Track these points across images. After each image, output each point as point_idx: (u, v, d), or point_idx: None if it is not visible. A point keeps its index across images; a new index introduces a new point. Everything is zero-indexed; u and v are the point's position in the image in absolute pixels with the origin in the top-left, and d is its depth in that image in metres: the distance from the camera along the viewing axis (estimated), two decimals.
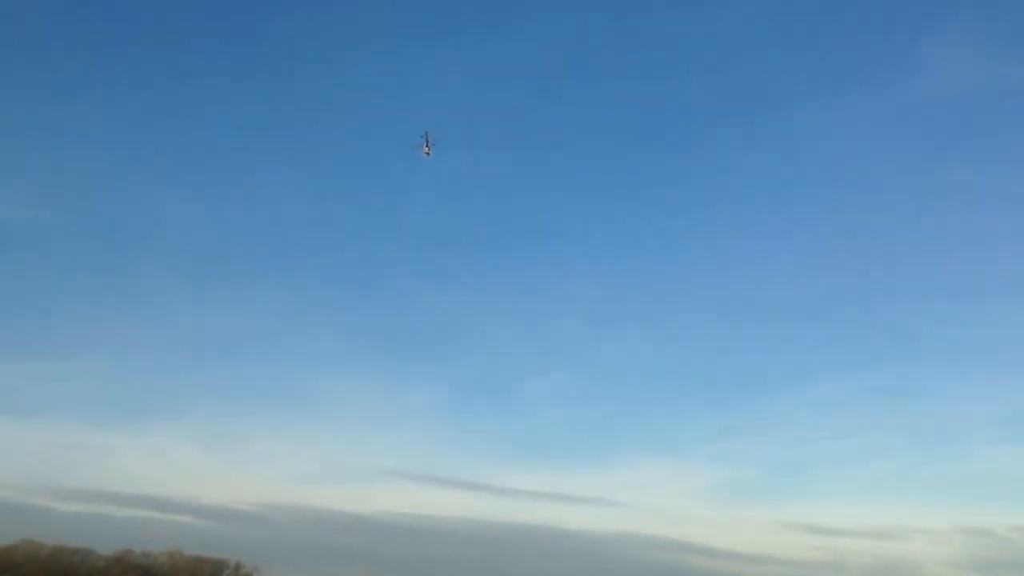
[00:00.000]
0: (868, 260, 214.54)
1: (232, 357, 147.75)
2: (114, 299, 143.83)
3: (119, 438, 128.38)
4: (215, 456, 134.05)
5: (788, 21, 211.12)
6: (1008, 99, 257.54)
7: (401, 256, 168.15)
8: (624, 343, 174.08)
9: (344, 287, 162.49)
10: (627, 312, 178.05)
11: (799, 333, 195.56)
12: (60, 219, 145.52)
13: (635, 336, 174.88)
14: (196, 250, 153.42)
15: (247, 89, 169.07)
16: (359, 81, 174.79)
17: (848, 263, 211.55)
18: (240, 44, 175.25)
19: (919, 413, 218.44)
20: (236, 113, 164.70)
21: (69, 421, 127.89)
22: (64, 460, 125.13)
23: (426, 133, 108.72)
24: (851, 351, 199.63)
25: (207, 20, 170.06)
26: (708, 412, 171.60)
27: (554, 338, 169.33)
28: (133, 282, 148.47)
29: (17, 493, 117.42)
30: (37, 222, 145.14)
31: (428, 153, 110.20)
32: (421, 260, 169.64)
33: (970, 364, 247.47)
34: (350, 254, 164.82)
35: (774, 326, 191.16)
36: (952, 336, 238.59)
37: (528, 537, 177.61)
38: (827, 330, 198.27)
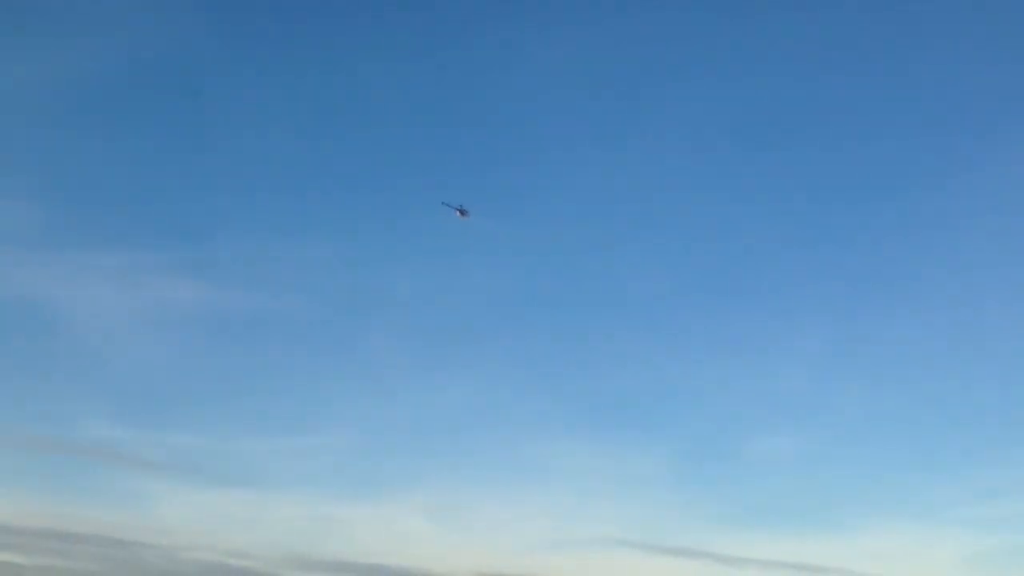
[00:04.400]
0: None
1: (458, 427, 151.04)
2: (351, 377, 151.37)
3: (355, 510, 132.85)
4: (444, 526, 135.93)
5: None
6: None
7: (617, 320, 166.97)
8: (858, 398, 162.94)
9: (564, 353, 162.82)
10: (859, 364, 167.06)
11: None
12: (302, 304, 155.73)
13: (869, 390, 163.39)
14: (420, 325, 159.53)
15: (455, 171, 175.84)
16: (566, 143, 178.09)
17: None
18: (447, 135, 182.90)
19: None
20: (446, 180, 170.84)
21: (311, 494, 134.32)
22: (306, 531, 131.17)
23: (460, 206, 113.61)
24: None
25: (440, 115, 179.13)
26: (964, 471, 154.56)
27: (780, 396, 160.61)
28: (366, 360, 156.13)
29: (264, 564, 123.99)
30: (284, 308, 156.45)
31: (464, 214, 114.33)
32: (637, 322, 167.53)
33: None
34: (567, 320, 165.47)
35: None
36: None
37: None
38: None
